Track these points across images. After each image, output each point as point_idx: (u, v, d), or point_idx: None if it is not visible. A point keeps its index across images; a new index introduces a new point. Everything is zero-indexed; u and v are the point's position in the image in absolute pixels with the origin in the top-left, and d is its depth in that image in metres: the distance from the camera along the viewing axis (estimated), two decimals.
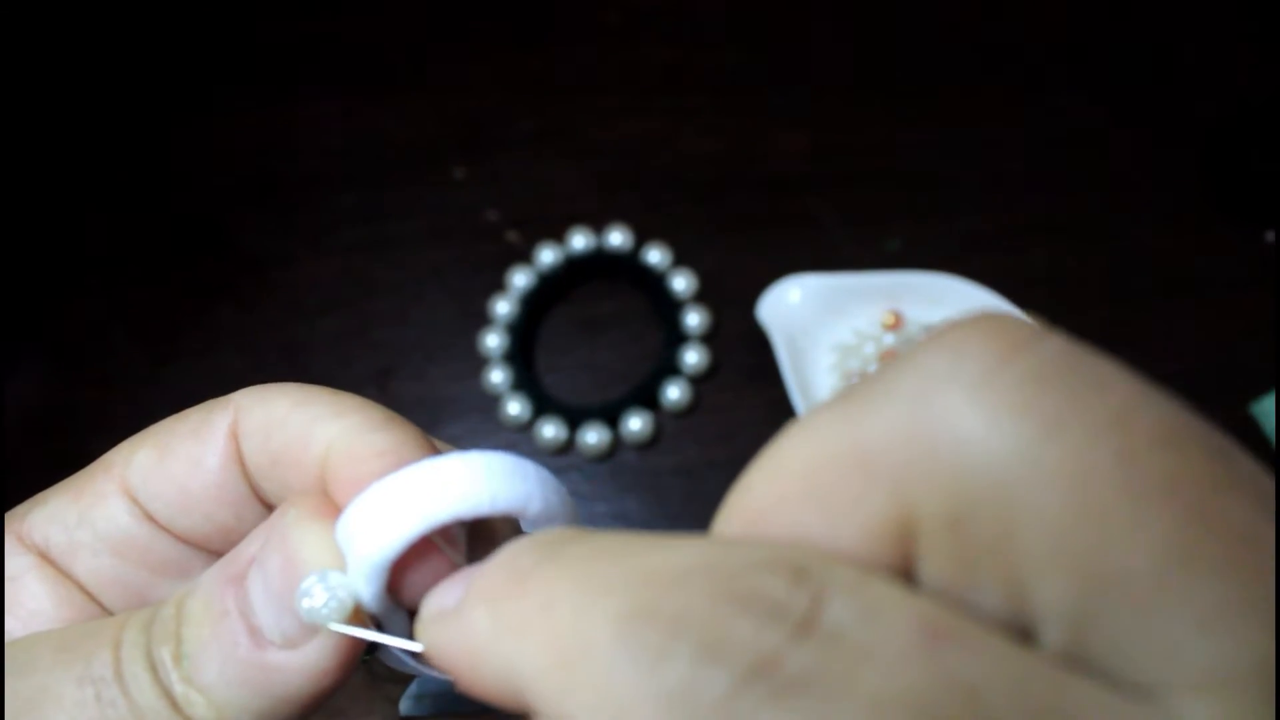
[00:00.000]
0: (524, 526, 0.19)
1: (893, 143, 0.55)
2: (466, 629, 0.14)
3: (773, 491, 0.13)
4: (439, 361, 0.51)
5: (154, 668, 0.17)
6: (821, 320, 0.47)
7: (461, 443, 0.49)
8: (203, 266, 0.55)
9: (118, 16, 0.62)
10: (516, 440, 0.49)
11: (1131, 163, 0.54)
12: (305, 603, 0.17)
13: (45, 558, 0.20)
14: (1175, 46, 0.57)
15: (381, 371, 0.51)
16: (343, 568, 0.17)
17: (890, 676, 0.10)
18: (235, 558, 0.18)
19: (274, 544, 0.18)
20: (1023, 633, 0.11)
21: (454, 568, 0.18)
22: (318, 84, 0.60)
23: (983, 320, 0.12)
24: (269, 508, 0.20)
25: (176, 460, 0.20)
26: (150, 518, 0.20)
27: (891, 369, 0.12)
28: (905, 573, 0.12)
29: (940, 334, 0.12)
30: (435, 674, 0.21)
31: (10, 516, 0.20)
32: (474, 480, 0.17)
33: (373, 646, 0.19)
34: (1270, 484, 0.11)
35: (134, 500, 0.20)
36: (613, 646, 0.12)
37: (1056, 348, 0.12)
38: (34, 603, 0.20)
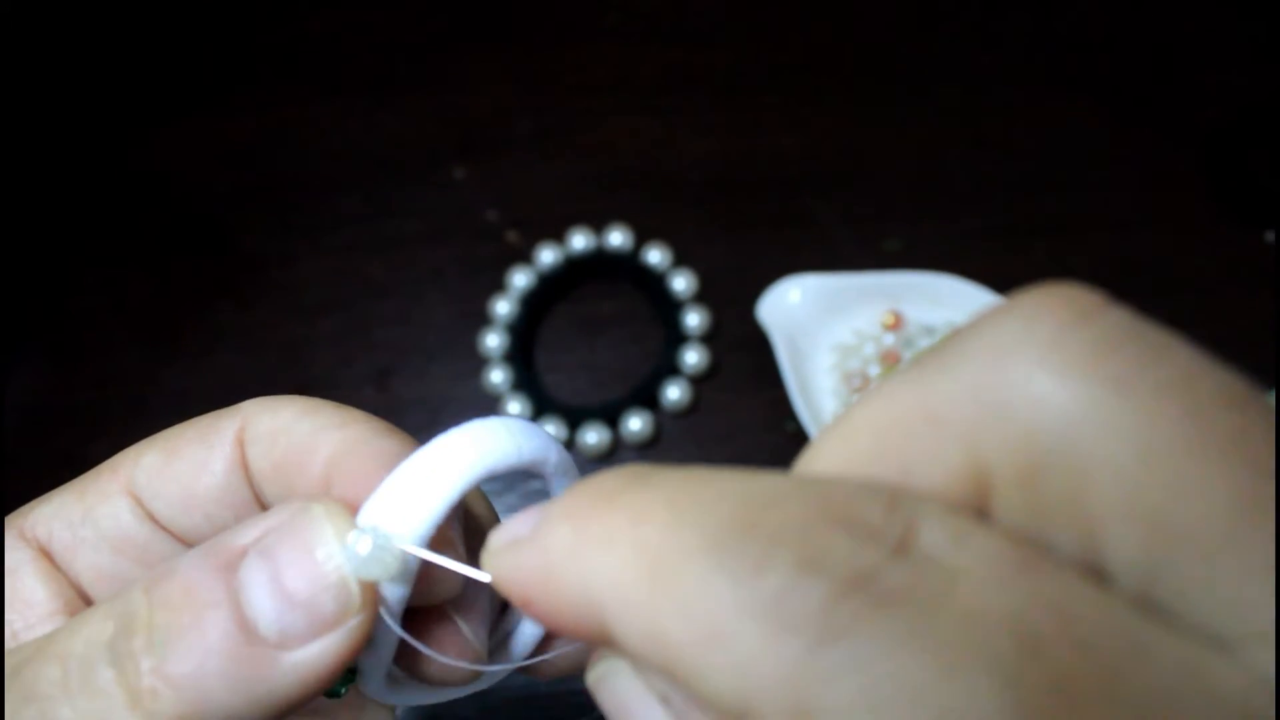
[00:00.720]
0: (545, 479, 0.20)
1: (893, 143, 0.55)
2: (545, 549, 0.14)
3: (844, 451, 0.13)
4: (439, 361, 0.51)
5: (119, 658, 0.16)
6: (821, 320, 0.47)
7: None
8: (203, 266, 0.55)
9: (118, 16, 0.62)
10: None
11: (1132, 163, 0.54)
12: (355, 550, 0.17)
13: (44, 553, 0.20)
14: (1176, 47, 0.57)
15: (381, 371, 0.51)
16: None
17: (984, 595, 0.11)
18: (221, 547, 0.17)
19: (288, 533, 0.17)
20: (1099, 579, 0.11)
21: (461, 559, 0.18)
22: (318, 84, 0.60)
23: (1052, 290, 0.12)
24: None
25: (183, 462, 0.20)
26: (152, 517, 0.20)
27: (962, 335, 0.12)
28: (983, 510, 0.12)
29: (1010, 303, 0.12)
30: (421, 702, 0.21)
31: (14, 514, 0.21)
32: (500, 436, 0.18)
33: (354, 670, 0.19)
34: None
35: (137, 500, 0.20)
36: (708, 556, 0.12)
37: (1122, 316, 0.12)
38: (29, 594, 0.20)
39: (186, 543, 0.21)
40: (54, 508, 0.21)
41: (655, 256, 0.51)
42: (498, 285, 0.52)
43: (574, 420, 0.48)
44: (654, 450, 0.48)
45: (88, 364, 0.52)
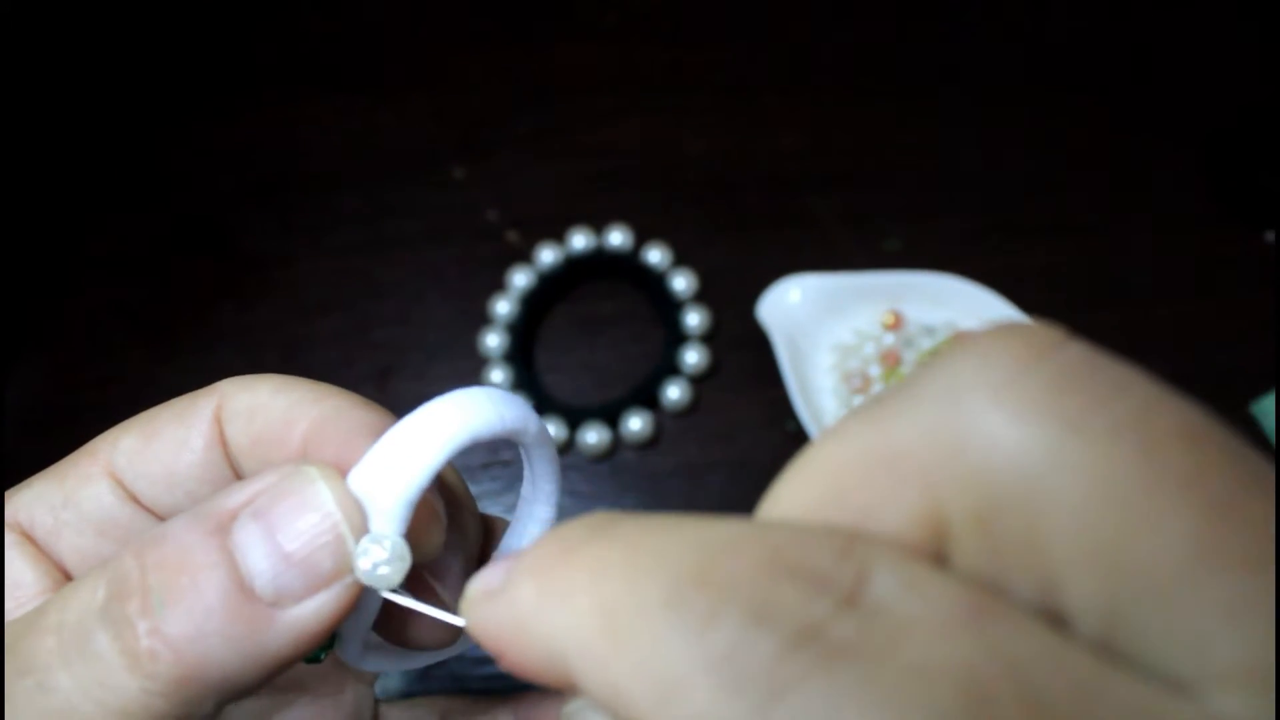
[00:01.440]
0: (524, 448, 0.20)
1: (893, 143, 0.55)
2: (512, 603, 0.14)
3: (804, 494, 0.13)
4: (439, 361, 0.51)
5: (115, 622, 0.16)
6: (821, 320, 0.47)
7: None
8: (203, 266, 0.55)
9: (118, 17, 0.62)
10: None
11: (1132, 163, 0.54)
12: (363, 561, 0.17)
13: (27, 537, 0.21)
14: (1176, 47, 0.57)
15: (381, 371, 0.51)
16: (363, 518, 0.17)
17: (933, 647, 0.10)
18: (211, 510, 0.17)
19: (282, 494, 0.17)
20: (1056, 624, 0.11)
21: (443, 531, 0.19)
22: (318, 84, 0.60)
23: (1006, 328, 0.12)
24: None
25: (162, 442, 0.20)
26: (134, 498, 0.21)
27: (918, 376, 0.12)
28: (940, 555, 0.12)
29: (965, 342, 0.12)
30: (397, 669, 0.21)
31: None
32: (483, 404, 0.18)
33: (334, 639, 0.19)
34: None
35: (118, 482, 0.21)
36: (661, 611, 0.12)
37: (1078, 352, 0.12)
38: (17, 576, 0.20)
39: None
40: (34, 493, 0.21)
41: (655, 256, 0.51)
42: (498, 285, 0.52)
43: (574, 420, 0.48)
44: (654, 450, 0.48)
45: (88, 364, 0.53)
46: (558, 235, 0.53)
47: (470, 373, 0.50)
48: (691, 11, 0.61)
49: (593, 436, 0.47)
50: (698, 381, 0.49)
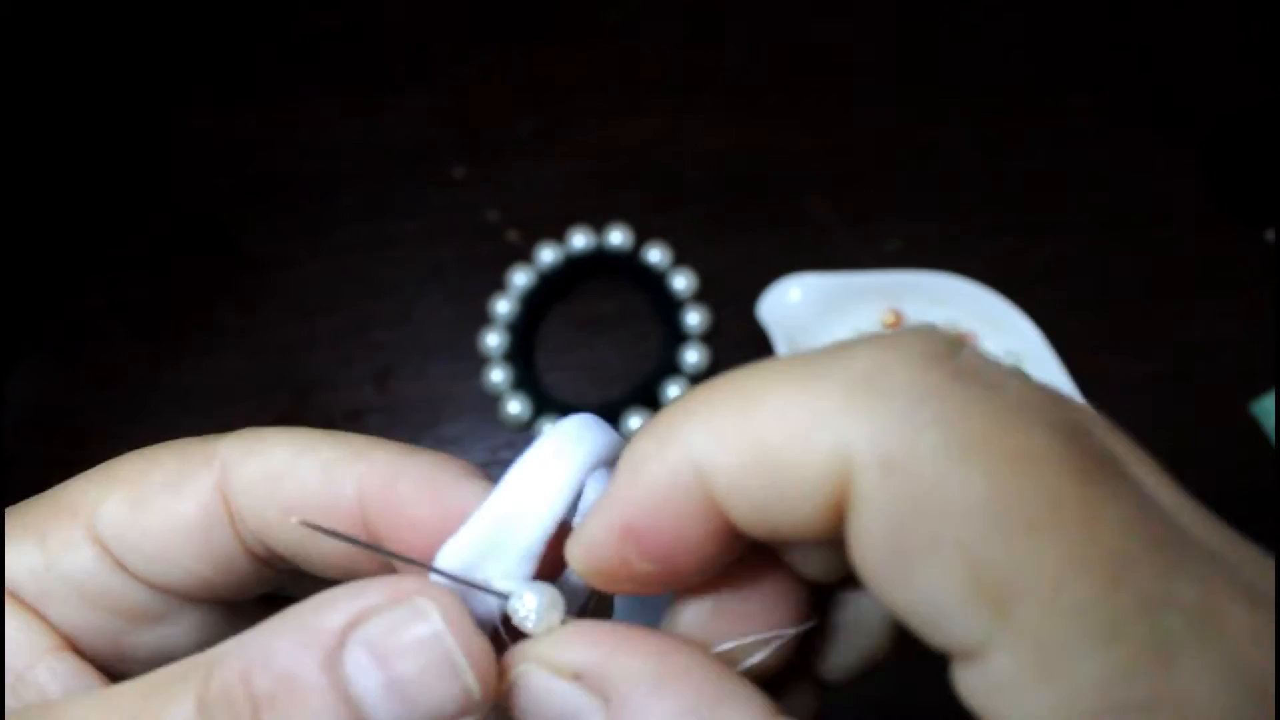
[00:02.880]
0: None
1: (893, 143, 0.55)
2: (634, 474, 0.15)
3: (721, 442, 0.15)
4: (439, 361, 0.51)
5: None
6: (822, 319, 0.47)
7: (462, 442, 0.49)
8: (203, 266, 0.55)
9: (118, 17, 0.62)
10: (516, 440, 0.49)
11: (1131, 163, 0.54)
12: (519, 614, 0.17)
13: (15, 599, 0.19)
14: (1176, 47, 0.57)
15: (381, 371, 0.51)
16: (483, 646, 0.16)
17: (1034, 392, 0.14)
18: (318, 631, 0.16)
19: (399, 628, 0.16)
20: None
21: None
22: (318, 84, 0.60)
23: (919, 330, 0.15)
24: (258, 559, 0.20)
25: (152, 514, 0.19)
26: (123, 568, 0.19)
27: (841, 351, 0.15)
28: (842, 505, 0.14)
29: (888, 336, 0.15)
30: None
31: None
32: (601, 431, 0.18)
33: None
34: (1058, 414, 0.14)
35: (105, 550, 0.19)
36: (791, 374, 0.14)
37: (970, 354, 0.14)
38: (18, 634, 0.19)
39: (164, 591, 0.20)
40: (14, 554, 0.19)
41: (655, 256, 0.51)
42: (498, 285, 0.52)
43: None
44: None
45: (88, 364, 0.52)
46: (558, 235, 0.53)
47: (470, 372, 0.50)
48: (691, 11, 0.61)
49: None
50: (698, 381, 0.49)
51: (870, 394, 0.13)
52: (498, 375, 0.49)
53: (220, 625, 0.21)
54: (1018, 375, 0.14)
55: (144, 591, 0.20)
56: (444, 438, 0.49)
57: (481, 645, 0.16)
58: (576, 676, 0.15)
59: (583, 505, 0.18)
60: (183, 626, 0.20)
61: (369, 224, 0.55)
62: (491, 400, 0.49)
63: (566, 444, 0.18)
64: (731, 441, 0.14)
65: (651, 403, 0.48)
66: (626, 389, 0.49)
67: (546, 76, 0.59)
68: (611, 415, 0.48)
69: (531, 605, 0.17)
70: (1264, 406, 0.46)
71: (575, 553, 0.16)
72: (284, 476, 0.19)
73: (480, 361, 0.50)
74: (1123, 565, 0.12)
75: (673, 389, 0.48)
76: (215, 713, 0.15)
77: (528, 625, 0.17)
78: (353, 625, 0.16)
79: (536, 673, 0.16)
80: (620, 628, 0.16)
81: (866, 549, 0.13)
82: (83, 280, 0.55)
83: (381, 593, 0.16)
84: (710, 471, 0.14)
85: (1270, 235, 0.51)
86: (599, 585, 0.16)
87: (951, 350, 0.14)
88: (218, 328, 0.53)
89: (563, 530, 0.17)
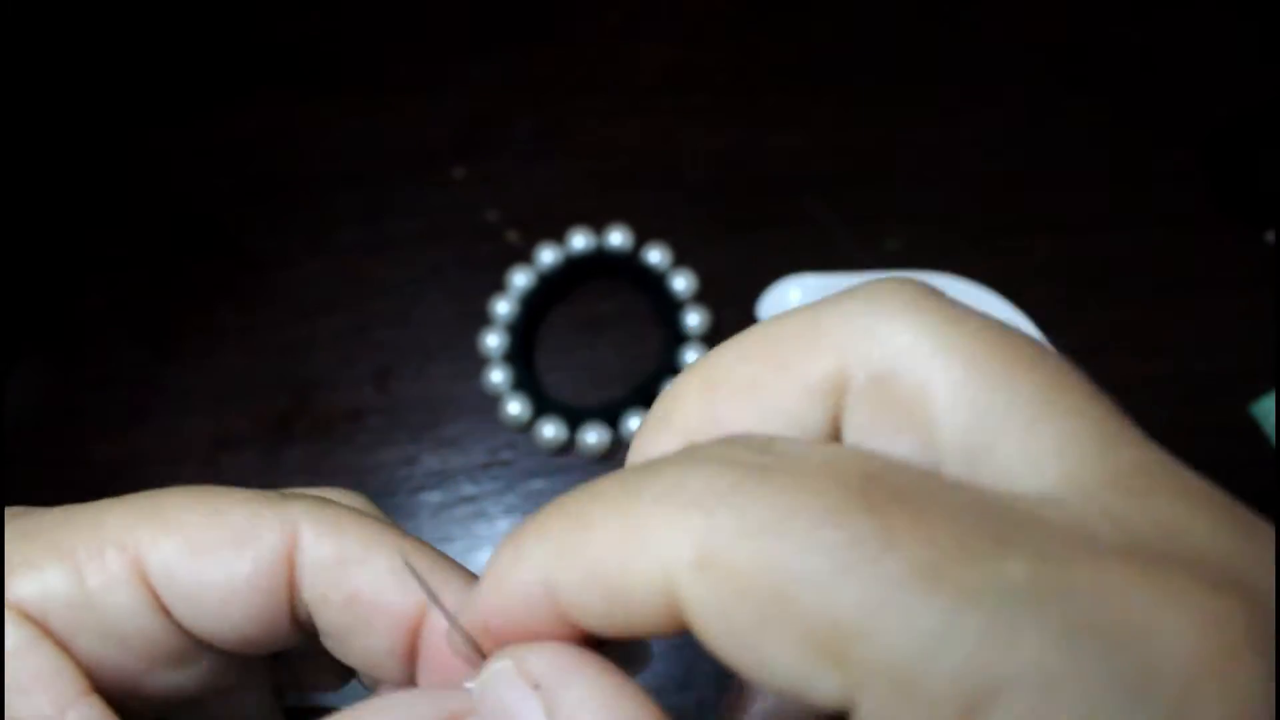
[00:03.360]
0: None
1: (893, 143, 0.55)
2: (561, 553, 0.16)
3: (736, 351, 0.17)
4: (439, 361, 0.51)
5: None
6: None
7: (462, 443, 0.49)
8: (203, 266, 0.55)
9: (118, 16, 0.62)
10: (516, 440, 0.49)
11: (1131, 162, 0.54)
12: None
13: (46, 631, 0.19)
14: (1176, 47, 0.57)
15: (381, 371, 0.51)
16: None
17: (828, 457, 0.14)
18: None
19: None
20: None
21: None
22: (318, 84, 0.60)
23: (904, 279, 0.16)
24: (298, 625, 0.20)
25: (213, 567, 0.19)
26: (166, 612, 0.19)
27: (842, 294, 0.16)
28: (834, 426, 0.16)
29: (872, 282, 0.16)
30: None
31: None
32: None
33: None
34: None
35: (152, 593, 0.19)
36: (617, 493, 0.15)
37: (781, 445, 0.15)
38: (49, 676, 0.18)
39: (202, 640, 0.20)
40: (45, 584, 0.19)
41: (655, 256, 0.51)
42: (498, 285, 0.52)
43: (574, 420, 0.48)
44: None
45: (88, 364, 0.53)
46: (558, 235, 0.53)
47: (470, 373, 0.50)
48: (692, 11, 0.61)
49: (593, 437, 0.47)
50: None
51: (676, 504, 0.14)
52: (498, 376, 0.49)
53: (228, 670, 0.21)
54: (827, 447, 0.15)
55: (180, 638, 0.20)
56: (444, 438, 0.49)
57: None
58: (536, 686, 0.16)
59: None
60: (198, 670, 0.20)
61: (369, 224, 0.55)
62: (491, 401, 0.49)
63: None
64: (570, 562, 0.15)
65: (651, 403, 0.48)
66: (626, 389, 0.49)
67: (546, 76, 0.59)
68: (611, 415, 0.48)
69: None
70: (1264, 407, 0.46)
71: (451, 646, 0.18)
72: (355, 564, 0.19)
73: (480, 362, 0.50)
74: (934, 571, 0.12)
75: None
76: None
77: None
78: None
79: (508, 671, 0.17)
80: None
81: (711, 643, 0.13)
82: (83, 280, 0.55)
83: (466, 704, 0.17)
84: (555, 588, 0.15)
85: (1270, 235, 0.51)
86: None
87: (757, 449, 0.14)
88: (218, 328, 0.53)
89: None
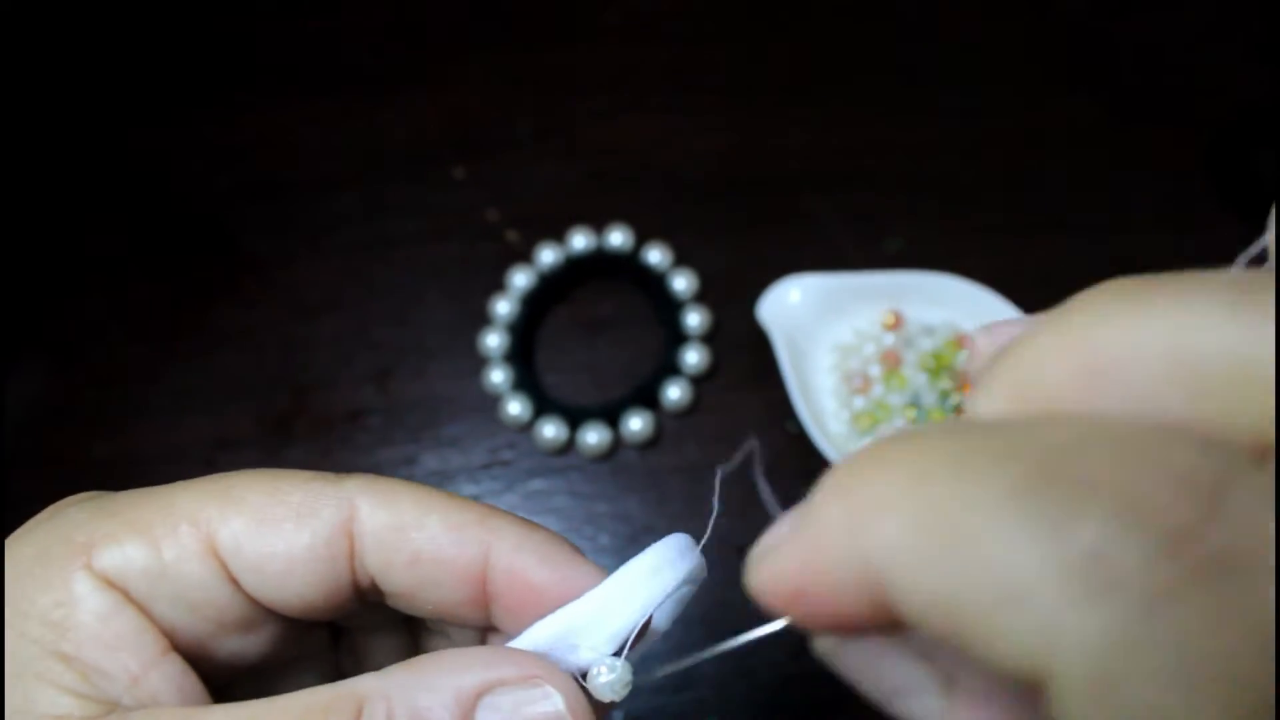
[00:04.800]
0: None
1: (893, 143, 0.55)
2: (814, 533, 0.13)
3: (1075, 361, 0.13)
4: (439, 361, 0.51)
5: None
6: (822, 320, 0.47)
7: (462, 442, 0.49)
8: (203, 266, 0.55)
9: (118, 16, 0.62)
10: (516, 440, 0.49)
11: (1131, 162, 0.54)
12: (596, 676, 0.20)
13: (128, 597, 0.20)
14: (1176, 46, 0.57)
15: (381, 371, 0.51)
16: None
17: None
18: (453, 686, 0.19)
19: (531, 704, 0.19)
20: None
21: None
22: (318, 84, 0.60)
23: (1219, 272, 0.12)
24: (359, 592, 0.22)
25: (278, 539, 0.21)
26: (234, 581, 0.21)
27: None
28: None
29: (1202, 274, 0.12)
30: None
31: (70, 544, 0.20)
32: (690, 556, 0.22)
33: None
34: None
35: (222, 565, 0.21)
36: (1009, 510, 0.11)
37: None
38: (133, 637, 0.20)
39: (268, 608, 0.21)
40: (125, 556, 0.20)
41: (655, 256, 0.51)
42: (498, 285, 0.52)
43: (574, 420, 0.48)
44: (655, 450, 0.48)
45: (88, 364, 0.52)
46: (558, 235, 0.53)
47: (470, 373, 0.50)
48: (691, 11, 0.61)
49: (593, 436, 0.47)
50: (698, 381, 0.49)
51: (1090, 587, 0.10)
52: (498, 376, 0.49)
53: (290, 637, 0.23)
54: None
55: (248, 606, 0.21)
56: (444, 438, 0.49)
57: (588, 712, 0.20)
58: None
59: (658, 616, 0.22)
60: (264, 636, 0.22)
61: (369, 224, 0.55)
62: (491, 400, 0.49)
63: (665, 566, 0.21)
64: (928, 576, 0.12)
65: (651, 403, 0.48)
66: (626, 389, 0.49)
67: (546, 76, 0.59)
68: (611, 415, 0.48)
69: (611, 676, 0.20)
70: None
71: (754, 583, 0.15)
72: (412, 528, 0.21)
73: (480, 362, 0.50)
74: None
75: (673, 389, 0.48)
76: None
77: (605, 690, 0.20)
78: (485, 690, 0.19)
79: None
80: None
81: None
82: (83, 280, 0.55)
83: (516, 668, 0.19)
84: (897, 595, 0.12)
85: (1270, 235, 0.51)
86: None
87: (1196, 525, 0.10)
88: (218, 328, 0.53)
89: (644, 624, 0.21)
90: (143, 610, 0.20)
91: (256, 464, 0.51)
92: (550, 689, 0.19)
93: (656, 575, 0.21)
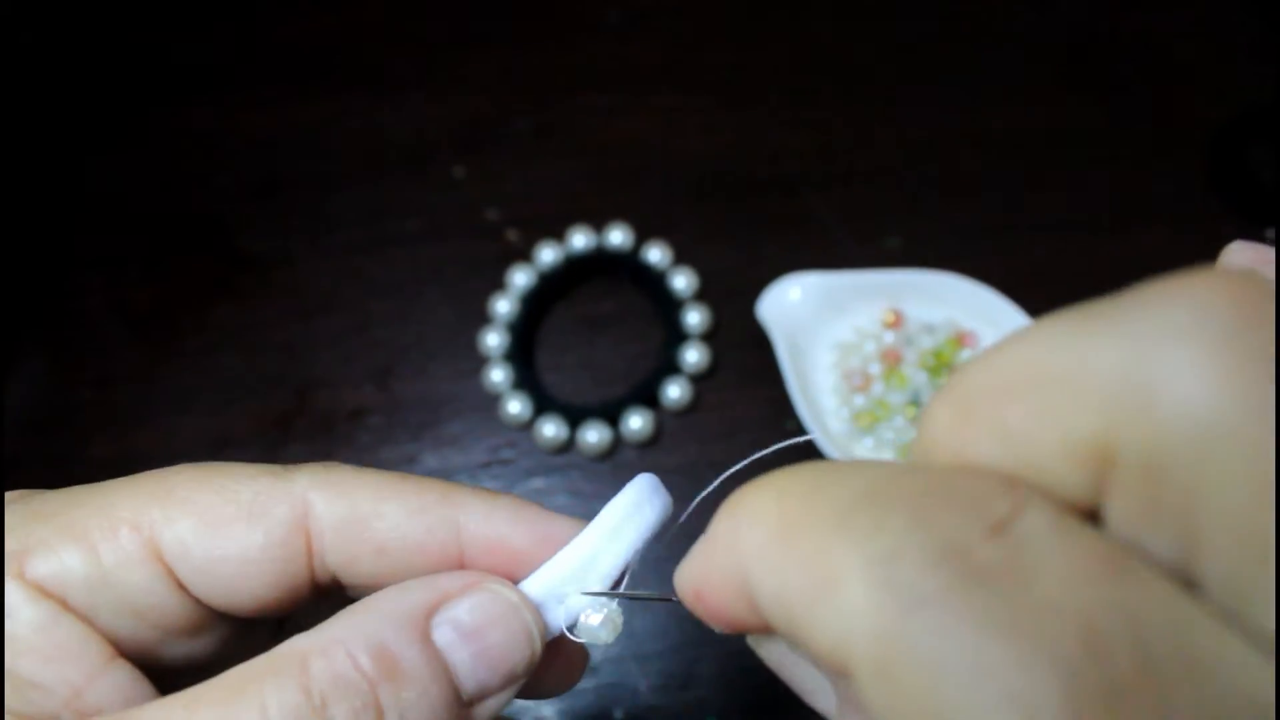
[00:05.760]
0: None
1: (893, 142, 0.55)
2: (709, 543, 0.16)
3: (995, 378, 0.14)
4: (439, 360, 0.51)
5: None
6: (822, 318, 0.47)
7: (462, 442, 0.49)
8: (203, 266, 0.55)
9: (118, 15, 0.62)
10: (517, 439, 0.49)
11: (1132, 162, 0.54)
12: (587, 620, 0.21)
13: (65, 606, 0.19)
14: (1176, 45, 0.57)
15: (381, 371, 0.51)
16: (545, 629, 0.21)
17: (1064, 590, 0.11)
18: (403, 612, 0.19)
19: (491, 616, 0.20)
20: (1187, 583, 0.12)
21: None
22: (318, 84, 0.60)
23: (1226, 280, 0.12)
24: (318, 588, 0.21)
25: (227, 541, 0.20)
26: (182, 586, 0.20)
27: (1129, 303, 0.13)
28: (1091, 504, 0.13)
29: (1179, 284, 0.12)
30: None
31: (9, 554, 0.19)
32: (662, 496, 0.23)
33: None
34: None
35: (167, 570, 0.20)
36: (833, 520, 0.13)
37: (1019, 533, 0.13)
38: (76, 647, 0.19)
39: (218, 611, 0.21)
40: (62, 563, 0.19)
41: (655, 255, 0.51)
42: (498, 284, 0.52)
43: (574, 419, 0.48)
44: (654, 449, 0.48)
45: (88, 364, 0.52)
46: (558, 234, 0.53)
47: (470, 372, 0.50)
48: (691, 11, 0.61)
49: (593, 435, 0.47)
50: (698, 380, 0.49)
51: (879, 581, 0.12)
52: (498, 375, 0.49)
53: (238, 637, 0.22)
54: (1070, 561, 0.12)
55: (196, 610, 0.20)
56: (444, 438, 0.49)
57: (538, 614, 0.20)
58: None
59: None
60: (214, 638, 0.21)
61: (369, 224, 0.55)
62: (491, 400, 0.49)
63: (644, 503, 0.23)
64: (769, 577, 0.14)
65: (651, 402, 0.48)
66: (626, 389, 0.49)
67: (546, 76, 0.59)
68: (611, 414, 0.48)
69: (601, 614, 0.21)
70: None
71: (675, 583, 0.18)
72: (372, 518, 0.21)
73: (480, 361, 0.50)
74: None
75: (673, 388, 0.48)
76: (330, 695, 0.17)
77: (600, 631, 0.21)
78: (434, 608, 0.19)
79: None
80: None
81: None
82: (83, 280, 0.55)
83: (459, 580, 0.20)
84: (751, 589, 0.15)
85: (1270, 234, 0.51)
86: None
87: (991, 530, 0.12)
88: (217, 327, 0.53)
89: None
90: (84, 619, 0.19)
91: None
92: (498, 587, 0.20)
93: (638, 512, 0.22)
